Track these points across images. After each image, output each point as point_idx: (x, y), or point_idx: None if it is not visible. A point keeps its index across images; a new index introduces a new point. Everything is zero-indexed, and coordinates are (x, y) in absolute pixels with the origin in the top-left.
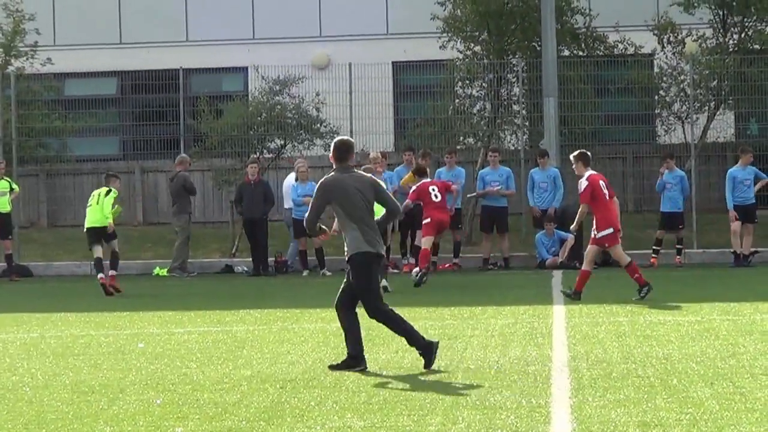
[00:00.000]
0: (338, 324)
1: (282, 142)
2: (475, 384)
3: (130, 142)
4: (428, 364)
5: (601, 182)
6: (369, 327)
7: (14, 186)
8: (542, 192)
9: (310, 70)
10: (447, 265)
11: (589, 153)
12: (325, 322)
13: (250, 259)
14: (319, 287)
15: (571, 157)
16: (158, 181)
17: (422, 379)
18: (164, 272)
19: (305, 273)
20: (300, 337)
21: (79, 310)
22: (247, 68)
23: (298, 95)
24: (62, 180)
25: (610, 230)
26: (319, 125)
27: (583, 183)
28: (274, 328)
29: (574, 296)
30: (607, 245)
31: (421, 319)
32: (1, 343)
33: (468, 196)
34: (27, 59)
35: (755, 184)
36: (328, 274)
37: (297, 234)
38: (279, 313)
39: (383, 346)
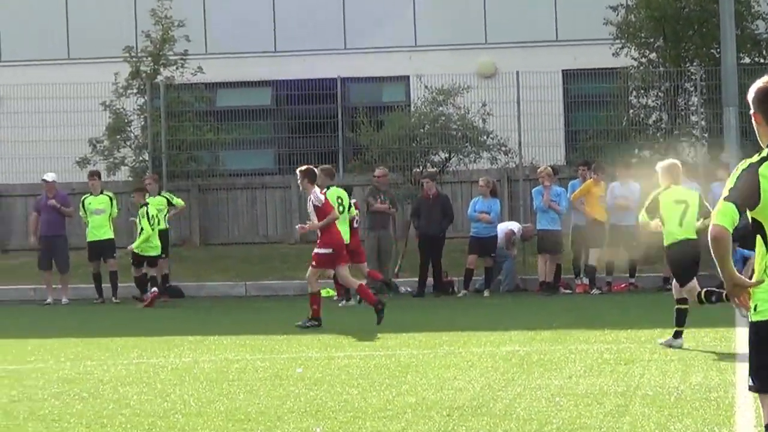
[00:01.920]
0: (508, 348)
1: (446, 155)
2: (653, 412)
3: (286, 155)
4: None
5: None
6: (541, 351)
7: (175, 201)
8: None
9: (476, 78)
10: (623, 285)
11: None
12: (494, 346)
13: (416, 278)
14: (486, 308)
15: None
16: None
17: (597, 405)
18: (324, 293)
19: (462, 293)
20: (467, 361)
21: (233, 333)
22: (408, 77)
23: (463, 105)
24: (215, 195)
25: None
26: (485, 137)
27: None
28: (439, 353)
29: None
30: None
31: (596, 342)
32: (152, 368)
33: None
34: (177, 68)
35: None
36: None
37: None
38: (445, 336)
39: (555, 372)
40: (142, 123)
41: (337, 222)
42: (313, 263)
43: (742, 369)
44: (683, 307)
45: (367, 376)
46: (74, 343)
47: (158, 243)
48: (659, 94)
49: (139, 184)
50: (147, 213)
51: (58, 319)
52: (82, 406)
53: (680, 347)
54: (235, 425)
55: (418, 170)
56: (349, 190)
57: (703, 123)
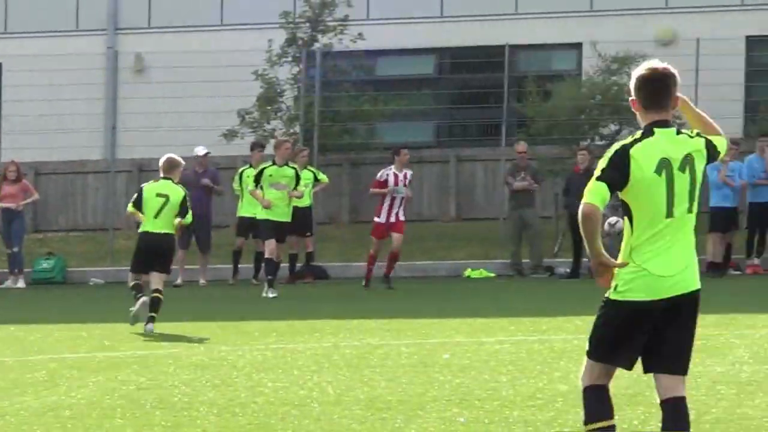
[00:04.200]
0: None
1: (617, 128)
2: None
3: (446, 128)
4: None
5: None
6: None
7: (320, 176)
8: None
9: (653, 46)
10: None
11: None
12: None
13: (572, 259)
14: None
15: None
16: (475, 171)
17: (761, 394)
18: (476, 274)
19: None
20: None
21: (378, 317)
22: (581, 44)
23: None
24: (368, 170)
25: None
26: None
27: None
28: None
29: None
30: None
31: (763, 327)
32: (290, 354)
33: None
34: (336, 35)
35: None
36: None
37: None
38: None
39: (718, 358)
40: (295, 93)
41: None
42: None
43: None
44: None
45: (517, 362)
46: (209, 327)
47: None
48: None
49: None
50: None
51: (192, 301)
52: (214, 393)
53: None
54: (374, 414)
55: (585, 144)
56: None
57: None
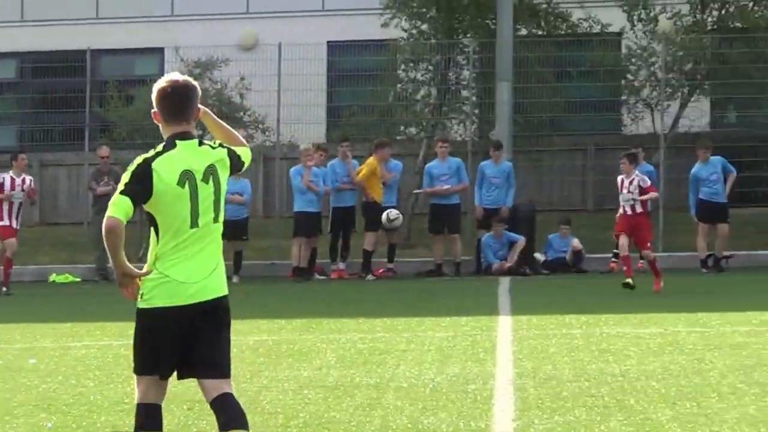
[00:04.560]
0: (255, 337)
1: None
2: (408, 404)
3: (29, 133)
4: None
5: None
6: (290, 341)
7: None
8: (493, 189)
9: (236, 51)
10: (381, 271)
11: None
12: (241, 335)
13: None
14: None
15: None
16: (58, 176)
17: (348, 398)
18: (62, 279)
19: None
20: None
21: None
22: (163, 49)
23: (221, 80)
24: None
25: None
26: (242, 114)
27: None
28: None
29: None
30: None
31: (350, 331)
32: None
33: (414, 192)
34: None
35: (725, 179)
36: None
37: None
38: None
39: (305, 362)
40: None
41: None
42: None
43: (503, 360)
44: None
45: (104, 367)
46: None
47: None
48: (429, 67)
49: None
50: None
51: None
52: None
53: None
54: None
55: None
56: None
57: (474, 98)
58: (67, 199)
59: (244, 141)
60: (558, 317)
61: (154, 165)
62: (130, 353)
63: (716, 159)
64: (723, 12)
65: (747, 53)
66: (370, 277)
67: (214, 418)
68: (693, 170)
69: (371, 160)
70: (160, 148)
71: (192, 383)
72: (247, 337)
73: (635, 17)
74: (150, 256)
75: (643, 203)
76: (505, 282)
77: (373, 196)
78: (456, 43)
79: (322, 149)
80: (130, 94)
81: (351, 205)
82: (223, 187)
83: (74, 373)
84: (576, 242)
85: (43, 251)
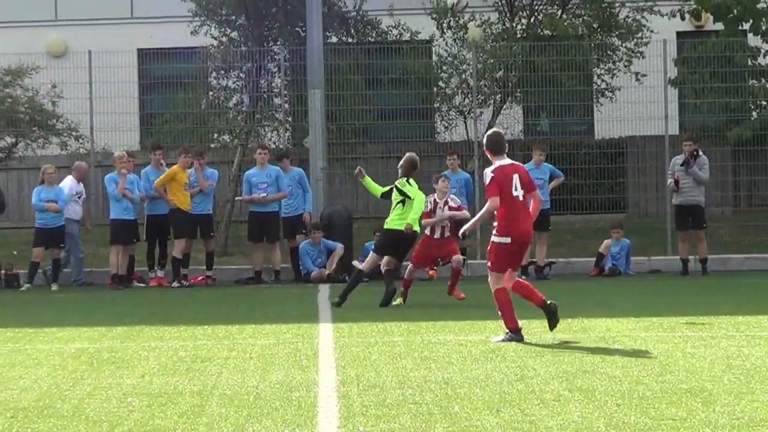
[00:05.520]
0: (77, 345)
1: (13, 140)
2: (232, 412)
3: None
4: None
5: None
6: (112, 348)
7: None
8: (290, 197)
9: (45, 58)
10: (200, 278)
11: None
12: (62, 343)
13: None
14: (55, 303)
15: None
16: None
17: (172, 405)
18: None
19: (26, 287)
20: (33, 359)
21: None
22: None
23: (32, 87)
24: None
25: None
26: (54, 121)
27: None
28: (3, 350)
29: None
30: None
31: (171, 338)
32: None
33: (236, 199)
34: None
35: (550, 182)
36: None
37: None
38: (9, 332)
39: (127, 370)
40: None
41: None
42: None
43: (326, 367)
44: None
45: None
46: None
47: None
48: (241, 75)
49: None
50: None
51: None
52: None
53: None
54: None
55: None
56: None
57: (286, 106)
58: None
59: None
60: (379, 324)
61: None
62: None
63: (546, 165)
64: (532, 20)
65: (557, 61)
66: (175, 284)
67: (40, 425)
68: None
69: (175, 167)
70: None
71: (16, 391)
72: (68, 344)
73: (444, 25)
74: None
75: (451, 227)
76: (324, 289)
77: (175, 202)
78: (267, 51)
79: (130, 155)
80: None
81: (165, 213)
82: None
83: None
84: None
85: None
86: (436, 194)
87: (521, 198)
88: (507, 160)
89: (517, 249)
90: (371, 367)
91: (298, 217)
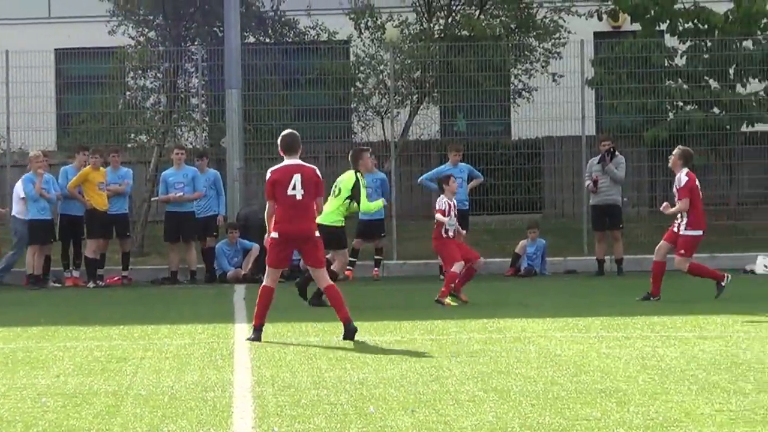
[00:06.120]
0: None
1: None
2: (147, 412)
3: None
4: None
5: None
6: (27, 348)
7: None
8: (202, 198)
9: None
10: (116, 279)
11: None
12: None
13: None
14: None
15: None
16: None
17: (87, 406)
18: None
19: None
20: None
21: None
22: None
23: None
24: None
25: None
26: None
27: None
28: None
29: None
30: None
31: (86, 338)
32: None
33: (152, 199)
34: None
35: (469, 182)
36: None
37: None
38: None
39: (42, 370)
40: None
41: None
42: None
43: (241, 368)
44: None
45: None
46: None
47: None
48: (158, 75)
49: None
50: None
51: None
52: None
53: None
54: None
55: None
56: None
57: (203, 106)
58: None
59: None
60: (294, 325)
61: None
62: None
63: (463, 165)
64: (449, 20)
65: (474, 61)
66: (91, 284)
67: None
68: (439, 169)
69: (86, 168)
70: None
71: None
72: None
73: (362, 25)
74: None
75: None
76: (240, 290)
77: (91, 203)
78: (184, 51)
79: (45, 155)
80: None
81: (80, 215)
82: None
83: None
84: None
85: None
86: (445, 195)
87: (299, 198)
88: (295, 161)
89: (286, 245)
90: (286, 368)
91: (210, 218)
